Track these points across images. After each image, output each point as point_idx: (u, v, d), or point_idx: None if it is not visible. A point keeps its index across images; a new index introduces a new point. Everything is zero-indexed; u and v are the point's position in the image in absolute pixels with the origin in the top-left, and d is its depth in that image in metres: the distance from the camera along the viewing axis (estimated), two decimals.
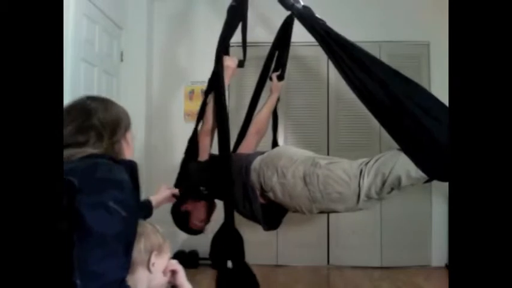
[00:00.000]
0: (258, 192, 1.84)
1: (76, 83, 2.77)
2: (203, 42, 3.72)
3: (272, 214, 1.89)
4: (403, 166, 1.54)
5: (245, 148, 2.26)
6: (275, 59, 2.34)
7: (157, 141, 3.77)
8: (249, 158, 1.90)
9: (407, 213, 3.62)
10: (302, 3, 1.95)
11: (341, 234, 3.64)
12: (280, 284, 3.21)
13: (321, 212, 1.82)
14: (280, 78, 2.37)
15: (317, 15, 1.88)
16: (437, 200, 3.61)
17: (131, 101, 3.55)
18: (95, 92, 3.05)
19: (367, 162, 1.64)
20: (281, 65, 2.36)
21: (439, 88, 3.59)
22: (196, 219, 2.00)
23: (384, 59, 3.59)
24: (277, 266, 3.61)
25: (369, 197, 1.65)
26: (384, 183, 1.59)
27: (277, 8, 1.80)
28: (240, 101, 3.52)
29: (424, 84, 3.63)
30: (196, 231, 2.07)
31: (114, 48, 3.42)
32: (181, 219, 2.02)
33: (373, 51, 3.62)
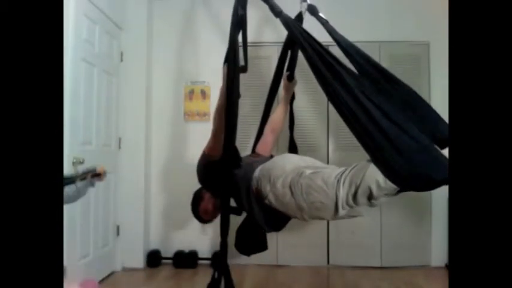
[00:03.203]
0: (257, 198, 1.88)
1: (76, 83, 2.77)
2: (203, 42, 3.73)
3: (274, 218, 1.93)
4: (373, 176, 1.58)
5: (262, 146, 2.35)
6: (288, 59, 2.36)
7: (157, 141, 3.77)
8: (254, 166, 1.95)
9: (407, 213, 3.63)
10: (308, 2, 1.98)
11: (341, 234, 3.64)
12: (280, 284, 3.21)
13: (315, 219, 1.86)
14: (290, 78, 2.39)
15: (320, 14, 1.90)
16: (437, 200, 3.61)
17: (131, 101, 3.56)
18: (94, 92, 3.06)
19: (344, 172, 1.69)
20: (290, 65, 2.37)
21: (439, 88, 3.60)
22: (203, 207, 2.11)
23: (384, 59, 3.63)
24: (277, 266, 3.61)
25: (350, 205, 1.68)
26: (356, 192, 1.63)
27: (284, 9, 1.81)
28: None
29: (424, 84, 3.65)
30: (200, 219, 2.18)
31: (114, 48, 3.42)
32: (193, 201, 2.15)
33: (373, 51, 3.67)
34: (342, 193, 1.65)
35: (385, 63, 3.62)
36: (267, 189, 1.81)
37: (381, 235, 3.64)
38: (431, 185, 1.53)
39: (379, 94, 1.61)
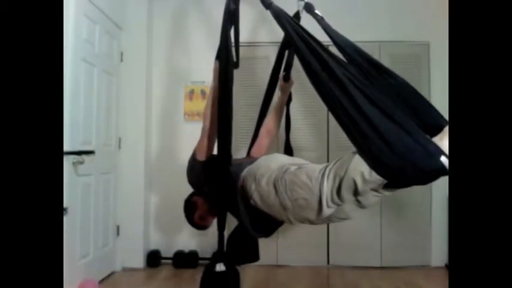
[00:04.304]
0: (243, 198, 1.83)
1: (76, 83, 2.77)
2: (203, 42, 3.73)
3: (260, 221, 1.85)
4: (357, 168, 1.51)
5: (257, 149, 2.31)
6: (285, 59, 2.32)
7: (157, 141, 3.77)
8: (242, 166, 1.90)
9: (407, 213, 3.63)
10: (306, 0, 1.97)
11: (341, 234, 3.63)
12: (280, 284, 3.21)
13: (301, 222, 1.76)
14: (286, 78, 2.36)
15: (316, 11, 1.90)
16: (437, 200, 3.61)
17: (131, 101, 3.56)
18: (94, 92, 3.06)
19: (328, 166, 1.62)
20: (287, 66, 2.34)
21: (439, 88, 3.60)
22: (198, 214, 2.05)
23: (384, 58, 3.63)
24: (277, 266, 3.61)
25: (335, 203, 1.60)
26: (340, 185, 1.55)
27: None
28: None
29: (424, 84, 3.65)
30: (197, 226, 2.12)
31: (114, 48, 3.42)
32: (187, 210, 2.09)
33: (373, 51, 3.67)
34: (326, 188, 1.56)
35: (385, 63, 3.61)
36: (252, 188, 1.76)
37: (381, 235, 3.64)
38: (420, 176, 1.46)
39: (371, 85, 1.55)
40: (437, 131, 1.53)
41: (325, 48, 1.60)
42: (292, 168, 1.72)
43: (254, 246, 2.21)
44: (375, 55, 3.64)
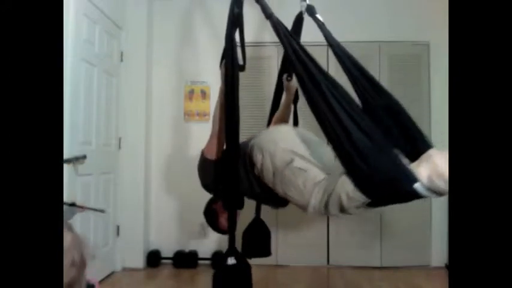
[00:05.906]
0: (250, 166, 1.90)
1: (76, 83, 2.77)
2: (203, 42, 3.73)
3: (270, 193, 1.91)
4: (343, 185, 1.58)
5: None
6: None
7: (157, 141, 3.77)
8: (248, 142, 1.95)
9: (407, 214, 3.62)
10: (307, 2, 1.99)
11: (341, 234, 3.64)
12: (280, 284, 3.21)
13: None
14: (289, 79, 2.39)
15: (317, 15, 1.91)
16: (437, 200, 3.61)
17: (131, 101, 3.56)
18: (94, 92, 3.06)
19: (322, 181, 1.69)
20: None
21: (439, 88, 3.60)
22: (222, 220, 2.03)
23: (384, 59, 3.64)
24: (277, 266, 3.61)
25: (321, 213, 1.71)
26: (327, 201, 1.64)
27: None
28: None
29: (424, 84, 3.65)
30: (224, 231, 2.10)
31: (114, 48, 3.42)
32: (209, 218, 2.10)
33: (373, 51, 3.68)
34: (314, 200, 1.67)
35: (385, 63, 3.69)
36: (258, 158, 1.83)
37: (381, 235, 3.64)
38: (396, 198, 1.55)
39: (359, 109, 1.60)
40: (419, 155, 1.57)
41: (319, 67, 1.62)
42: (294, 164, 1.76)
43: (266, 242, 2.32)
44: (375, 55, 3.65)
